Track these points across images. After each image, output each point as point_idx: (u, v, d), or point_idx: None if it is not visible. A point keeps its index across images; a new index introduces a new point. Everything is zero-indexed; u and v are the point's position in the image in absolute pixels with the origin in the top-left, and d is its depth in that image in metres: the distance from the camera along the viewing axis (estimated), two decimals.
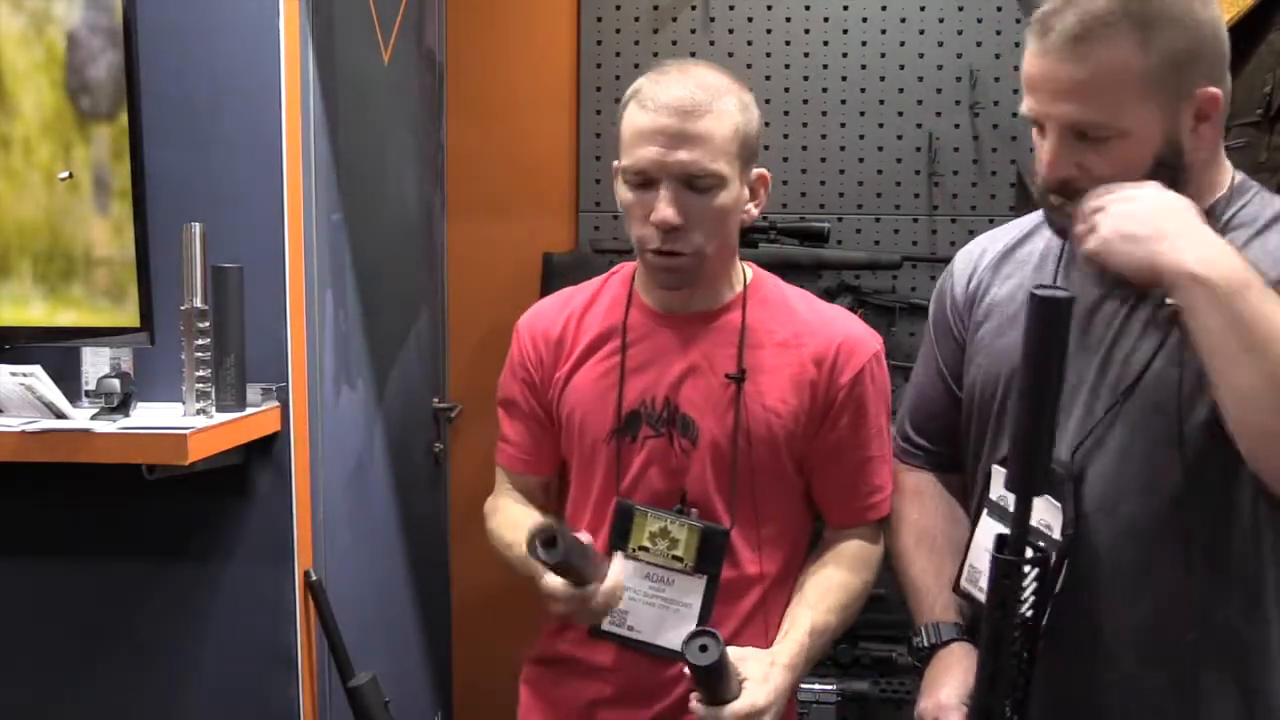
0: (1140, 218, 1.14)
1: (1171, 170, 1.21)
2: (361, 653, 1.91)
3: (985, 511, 1.35)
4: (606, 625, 1.48)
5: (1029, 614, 1.18)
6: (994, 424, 1.39)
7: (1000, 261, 1.43)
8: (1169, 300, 1.18)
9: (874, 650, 2.57)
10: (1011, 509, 1.15)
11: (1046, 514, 1.27)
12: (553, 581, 1.37)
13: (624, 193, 1.47)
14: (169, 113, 1.74)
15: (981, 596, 1.27)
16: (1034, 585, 1.17)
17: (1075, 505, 1.27)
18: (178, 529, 1.80)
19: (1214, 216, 1.24)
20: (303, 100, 1.83)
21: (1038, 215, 1.40)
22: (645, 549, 1.47)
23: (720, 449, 1.48)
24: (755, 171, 1.49)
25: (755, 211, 1.50)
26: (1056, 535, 1.26)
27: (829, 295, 2.62)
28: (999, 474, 1.33)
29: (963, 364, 1.45)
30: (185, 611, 1.81)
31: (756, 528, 1.50)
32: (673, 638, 1.41)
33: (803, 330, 1.52)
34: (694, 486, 1.49)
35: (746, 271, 1.57)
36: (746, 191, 1.48)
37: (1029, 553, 1.15)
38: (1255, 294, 1.09)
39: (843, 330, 1.53)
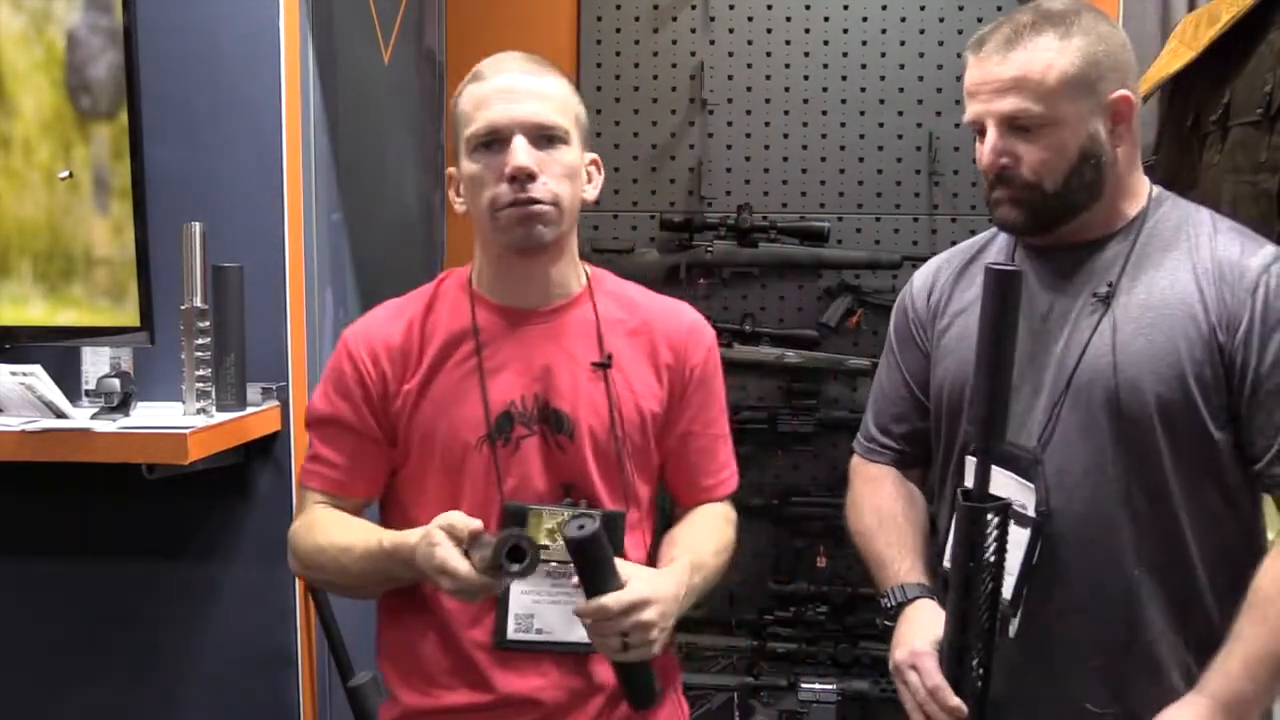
0: None
1: (1095, 160, 1.37)
2: (361, 653, 1.91)
3: (961, 496, 1.44)
4: (513, 634, 1.44)
5: (993, 559, 1.30)
6: (964, 419, 1.49)
7: (959, 275, 1.56)
8: (1098, 291, 1.39)
9: (874, 650, 2.58)
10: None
11: (1020, 494, 1.39)
12: (459, 563, 1.29)
13: (470, 166, 1.45)
14: (169, 113, 1.74)
15: None
16: (996, 533, 1.29)
17: (1044, 487, 1.40)
18: (178, 529, 1.81)
19: (1137, 222, 1.42)
20: (303, 100, 1.84)
21: (988, 234, 1.56)
22: (545, 547, 1.44)
23: (599, 438, 1.49)
24: (589, 155, 1.52)
25: (594, 194, 1.53)
26: (1031, 513, 1.39)
27: (829, 295, 2.62)
28: (971, 463, 1.43)
29: (928, 371, 1.57)
30: (185, 611, 1.82)
31: (633, 512, 1.51)
32: (583, 632, 1.39)
33: (650, 318, 1.55)
34: (578, 479, 1.49)
35: (585, 268, 1.58)
36: (584, 173, 1.51)
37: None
38: None
39: (687, 316, 1.58)
